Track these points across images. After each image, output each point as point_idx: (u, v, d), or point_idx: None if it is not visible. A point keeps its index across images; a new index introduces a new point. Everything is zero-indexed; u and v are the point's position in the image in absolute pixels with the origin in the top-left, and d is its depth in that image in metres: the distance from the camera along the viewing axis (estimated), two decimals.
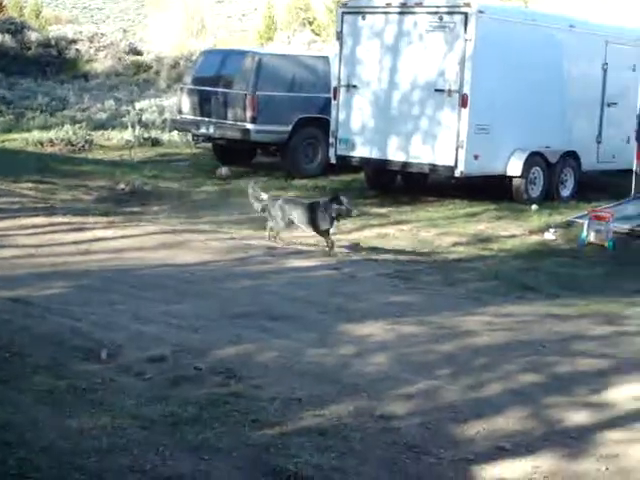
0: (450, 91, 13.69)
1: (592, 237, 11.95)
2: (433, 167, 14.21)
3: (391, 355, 7.11)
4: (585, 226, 12.10)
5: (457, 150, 13.67)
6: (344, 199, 10.64)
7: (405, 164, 14.47)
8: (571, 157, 15.18)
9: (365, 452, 5.26)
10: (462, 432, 5.68)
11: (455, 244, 11.67)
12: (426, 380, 6.55)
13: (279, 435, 5.36)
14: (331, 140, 15.11)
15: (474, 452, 5.38)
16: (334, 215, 10.56)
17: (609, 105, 15.70)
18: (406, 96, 14.29)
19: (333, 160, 15.28)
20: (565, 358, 7.19)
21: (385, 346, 7.32)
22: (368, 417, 5.78)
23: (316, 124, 16.27)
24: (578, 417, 6.03)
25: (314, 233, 10.81)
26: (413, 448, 5.36)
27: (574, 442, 5.61)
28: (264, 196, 11.22)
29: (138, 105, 25.01)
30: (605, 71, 15.52)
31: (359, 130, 14.81)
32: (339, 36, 14.93)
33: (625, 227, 12.47)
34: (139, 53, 35.49)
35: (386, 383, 6.45)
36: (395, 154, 14.44)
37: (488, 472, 5.13)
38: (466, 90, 13.50)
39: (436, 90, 13.84)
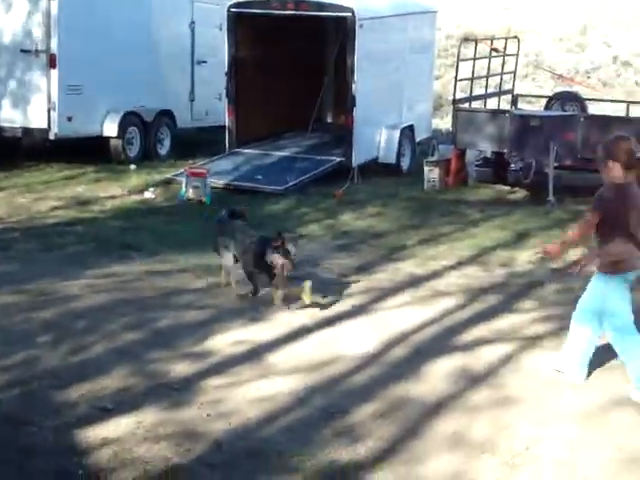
0: (37, 51, 13.25)
1: (190, 193, 12.21)
2: (27, 130, 13.71)
3: None
4: (183, 183, 12.33)
5: (49, 112, 13.31)
6: (292, 248, 7.59)
7: None
8: (166, 116, 15.36)
9: None
10: (64, 398, 5.60)
11: (53, 208, 11.37)
12: (26, 349, 6.39)
13: None
14: None
15: (77, 416, 5.34)
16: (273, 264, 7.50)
17: (199, 63, 16.06)
18: None
19: None
20: (167, 312, 7.34)
21: None
22: None
23: None
24: (181, 368, 6.19)
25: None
26: (13, 419, 5.20)
27: (177, 393, 5.76)
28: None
29: None
30: (193, 30, 15.83)
31: None
32: None
33: (220, 182, 12.89)
34: None
35: None
36: None
37: (91, 434, 5.10)
38: (54, 50, 13.12)
39: (22, 51, 13.33)
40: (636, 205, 5.75)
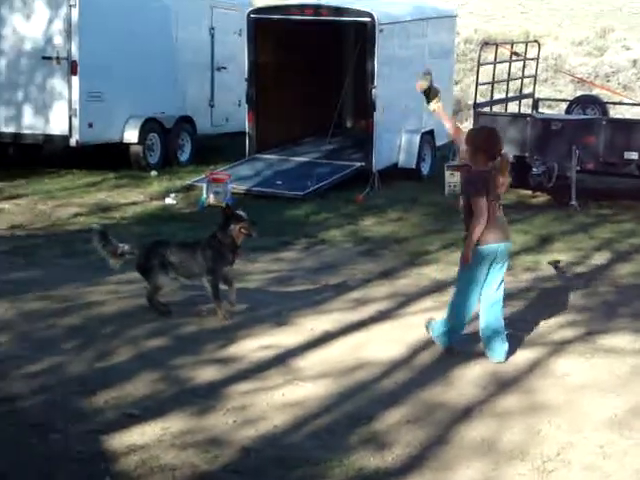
0: (59, 58, 13.27)
1: (211, 199, 12.19)
2: (48, 137, 13.75)
3: (13, 334, 6.83)
4: (204, 189, 12.32)
5: (71, 119, 13.33)
6: (242, 213, 7.44)
7: (17, 135, 13.83)
8: (186, 122, 15.37)
9: None
10: (90, 404, 5.59)
11: (75, 215, 11.37)
12: (51, 356, 6.38)
13: None
14: None
15: (103, 422, 5.31)
16: (236, 243, 7.35)
17: (219, 69, 16.06)
18: (13, 64, 13.63)
19: None
20: (191, 318, 7.31)
21: (6, 326, 7.01)
22: None
23: None
24: (206, 374, 6.16)
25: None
26: (39, 426, 5.18)
27: (202, 399, 5.73)
28: (125, 247, 7.56)
29: None
30: (213, 36, 15.84)
31: None
32: None
33: (242, 188, 12.87)
34: None
35: (8, 364, 6.18)
36: (5, 125, 13.76)
37: (117, 440, 5.07)
38: (75, 57, 13.16)
39: (44, 58, 13.36)
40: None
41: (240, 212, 7.47)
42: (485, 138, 6.50)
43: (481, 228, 6.23)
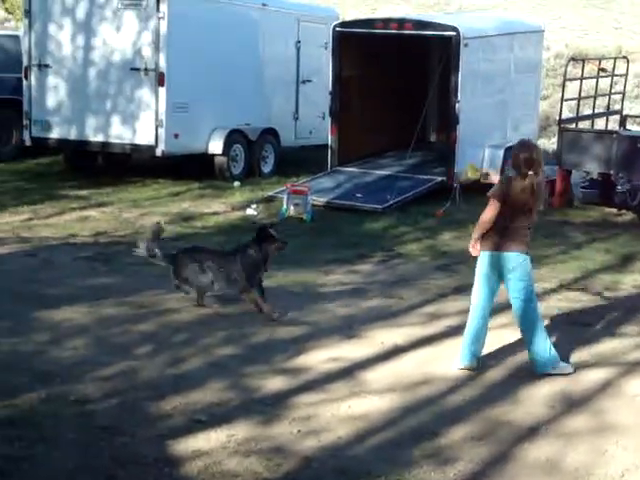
0: (147, 70, 13.56)
1: (292, 211, 12.30)
2: (134, 147, 14.05)
3: (89, 338, 7.00)
4: (285, 200, 12.43)
5: (157, 129, 13.60)
6: (273, 231, 8.02)
7: (105, 144, 14.19)
8: (271, 134, 15.53)
9: (57, 438, 5.14)
10: (159, 409, 5.69)
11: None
12: (124, 361, 6.51)
13: None
14: (25, 122, 14.50)
15: (170, 427, 5.41)
16: (269, 257, 7.92)
17: (304, 82, 16.20)
18: (102, 75, 13.99)
19: (28, 142, 14.67)
20: (264, 328, 7.39)
21: (83, 330, 7.18)
22: (62, 403, 5.66)
23: (8, 106, 15.48)
24: (274, 384, 6.22)
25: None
26: (107, 429, 5.30)
27: (269, 408, 5.79)
28: (157, 251, 7.96)
29: None
30: (298, 49, 15.98)
31: (55, 111, 14.32)
32: (27, 13, 14.32)
33: (322, 200, 12.94)
34: None
35: (82, 367, 6.33)
36: (94, 134, 14.12)
37: (183, 445, 5.16)
38: (162, 68, 13.43)
39: (132, 69, 13.67)
40: None
41: (272, 232, 8.00)
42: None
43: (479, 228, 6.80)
